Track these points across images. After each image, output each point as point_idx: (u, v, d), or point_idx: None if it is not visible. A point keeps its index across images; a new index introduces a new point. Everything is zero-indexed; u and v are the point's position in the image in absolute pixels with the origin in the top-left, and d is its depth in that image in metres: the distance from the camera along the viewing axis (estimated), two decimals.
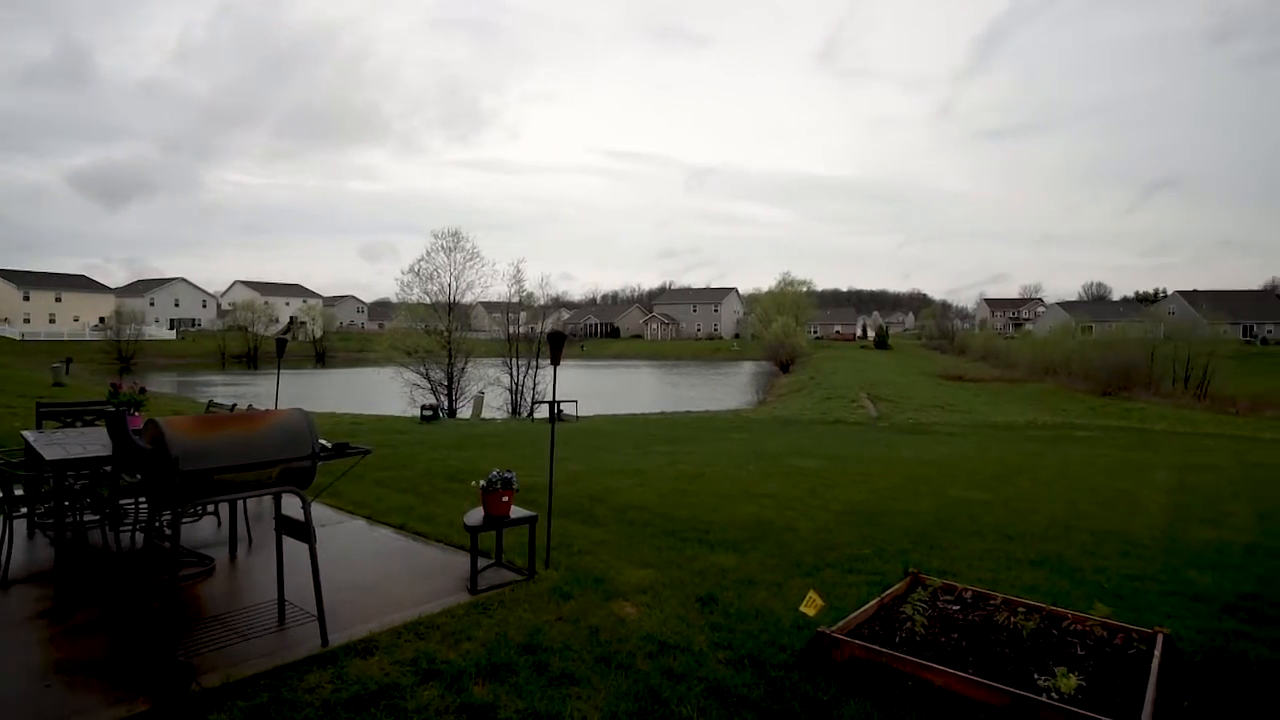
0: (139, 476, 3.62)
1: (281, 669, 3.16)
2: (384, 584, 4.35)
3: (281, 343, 8.39)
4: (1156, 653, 3.24)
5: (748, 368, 60.56)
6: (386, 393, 29.28)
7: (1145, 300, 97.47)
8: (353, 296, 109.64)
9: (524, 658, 3.32)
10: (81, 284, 76.28)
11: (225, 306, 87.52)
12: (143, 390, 5.21)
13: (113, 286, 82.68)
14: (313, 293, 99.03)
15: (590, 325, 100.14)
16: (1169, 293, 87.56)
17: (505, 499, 4.27)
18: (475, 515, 4.32)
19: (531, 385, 29.11)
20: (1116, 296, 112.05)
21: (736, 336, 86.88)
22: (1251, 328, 71.01)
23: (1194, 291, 78.72)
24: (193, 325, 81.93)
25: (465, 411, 26.82)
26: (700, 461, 10.41)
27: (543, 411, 24.63)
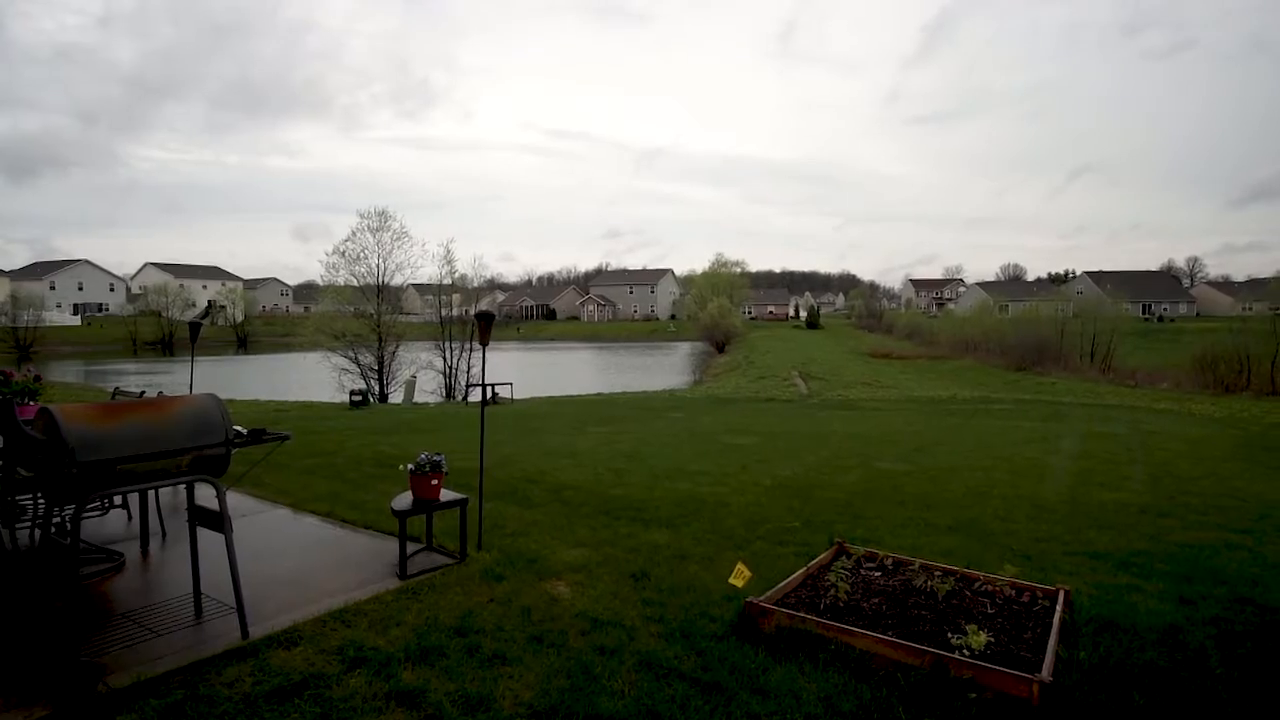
0: (35, 470, 3.37)
1: (199, 664, 3.04)
2: (309, 573, 4.22)
3: (195, 327, 7.98)
4: (1059, 608, 3.46)
5: (684, 348, 61.08)
6: (314, 379, 28.29)
7: (1057, 280, 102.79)
8: (275, 279, 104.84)
9: (455, 641, 3.29)
10: None
11: (136, 290, 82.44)
12: (38, 378, 4.86)
13: (8, 269, 76.83)
14: (232, 275, 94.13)
15: (526, 307, 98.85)
16: (1078, 273, 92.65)
17: (435, 482, 4.20)
18: (403, 500, 4.23)
19: (465, 368, 28.64)
20: (1031, 277, 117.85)
21: (673, 318, 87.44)
22: (1150, 306, 75.95)
23: (1100, 272, 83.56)
24: (100, 310, 77.03)
25: (397, 396, 26.17)
26: (635, 441, 10.48)
27: (477, 395, 24.27)
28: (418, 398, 24.42)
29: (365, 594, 3.84)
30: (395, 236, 28.85)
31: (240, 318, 72.70)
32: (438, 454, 4.24)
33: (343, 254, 28.65)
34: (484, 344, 4.19)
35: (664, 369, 44.80)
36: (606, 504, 6.06)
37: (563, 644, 3.30)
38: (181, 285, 76.47)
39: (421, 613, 3.60)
